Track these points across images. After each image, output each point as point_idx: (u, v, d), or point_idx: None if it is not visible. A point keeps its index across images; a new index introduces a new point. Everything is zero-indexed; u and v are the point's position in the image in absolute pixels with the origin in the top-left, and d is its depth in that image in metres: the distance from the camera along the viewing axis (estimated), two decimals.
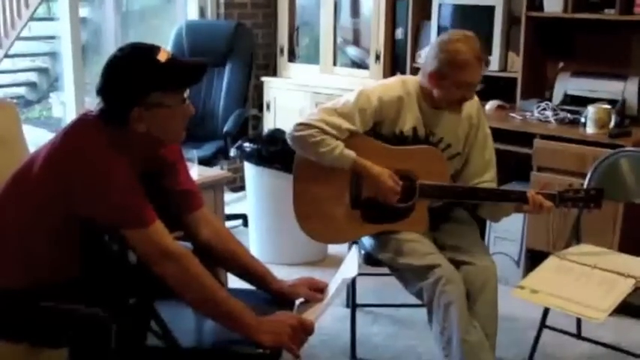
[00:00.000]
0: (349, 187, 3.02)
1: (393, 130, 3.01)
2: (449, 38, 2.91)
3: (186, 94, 2.21)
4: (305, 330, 2.19)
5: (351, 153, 2.93)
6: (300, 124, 2.98)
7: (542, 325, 3.15)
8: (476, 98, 3.09)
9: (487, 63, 2.92)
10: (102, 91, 2.16)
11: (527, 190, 2.96)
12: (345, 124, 2.94)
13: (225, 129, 4.74)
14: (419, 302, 2.95)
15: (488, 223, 4.16)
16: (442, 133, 3.04)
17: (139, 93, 2.11)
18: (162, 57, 2.13)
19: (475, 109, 3.08)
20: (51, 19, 5.93)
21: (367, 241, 3.14)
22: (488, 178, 3.09)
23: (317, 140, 2.93)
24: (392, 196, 2.96)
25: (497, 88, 4.60)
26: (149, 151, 2.24)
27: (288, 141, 3.04)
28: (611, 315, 2.74)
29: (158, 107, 2.12)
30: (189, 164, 2.59)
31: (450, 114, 3.01)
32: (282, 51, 5.76)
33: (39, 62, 7.18)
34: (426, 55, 2.98)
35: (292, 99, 5.51)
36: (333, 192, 3.03)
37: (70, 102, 4.87)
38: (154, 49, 2.15)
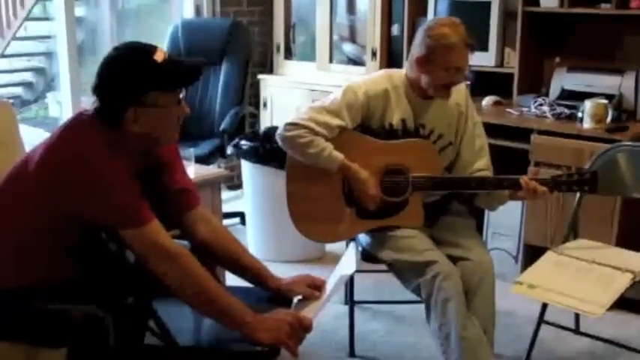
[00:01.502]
0: (342, 184, 3.02)
1: (382, 123, 3.01)
2: (435, 24, 2.94)
3: (181, 94, 2.21)
4: (303, 327, 2.19)
5: (339, 155, 2.93)
6: (290, 123, 2.98)
7: (541, 320, 3.15)
8: (463, 86, 3.10)
9: (473, 48, 2.92)
10: (98, 90, 2.15)
11: (520, 176, 2.95)
12: (335, 121, 2.95)
13: (222, 127, 4.74)
14: (417, 299, 2.95)
15: (485, 219, 4.17)
16: (432, 125, 3.04)
17: (135, 93, 2.11)
18: (159, 57, 2.12)
19: (463, 97, 3.09)
20: (46, 18, 5.92)
21: (364, 238, 3.13)
22: (482, 166, 3.09)
23: (306, 141, 2.93)
24: (371, 204, 2.97)
25: (494, 84, 4.60)
26: (144, 151, 2.24)
27: (279, 141, 3.04)
28: (609, 310, 2.75)
29: (154, 107, 2.12)
30: (185, 163, 2.58)
31: (439, 103, 3.02)
32: (278, 48, 5.76)
33: (35, 62, 7.17)
34: (413, 43, 2.99)
35: (289, 96, 5.51)
36: (327, 190, 3.03)
37: (67, 101, 4.86)
38: (150, 49, 2.15)
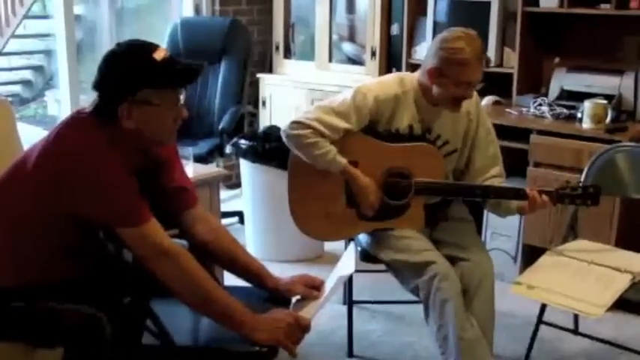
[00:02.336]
0: (344, 184, 3.01)
1: (389, 127, 2.99)
2: (450, 36, 2.86)
3: (182, 97, 2.20)
4: (301, 327, 2.18)
5: (342, 160, 2.93)
6: (296, 122, 2.97)
7: (540, 321, 3.15)
8: (475, 94, 3.07)
9: (487, 63, 2.90)
10: (97, 84, 2.15)
11: (524, 187, 2.94)
12: (342, 124, 2.93)
13: (220, 126, 4.73)
14: (416, 299, 2.94)
15: (484, 219, 4.16)
16: (440, 130, 3.03)
17: (129, 88, 2.10)
18: (158, 55, 2.12)
19: (474, 106, 3.06)
20: (45, 16, 5.91)
21: (363, 238, 3.13)
22: (494, 174, 3.07)
23: (311, 142, 2.92)
24: (369, 211, 2.98)
25: (493, 84, 4.58)
26: (141, 149, 2.23)
27: (283, 138, 3.03)
28: (608, 311, 2.75)
29: (147, 105, 2.11)
30: (184, 162, 2.58)
31: (448, 111, 3.00)
32: (277, 48, 5.75)
33: (34, 60, 7.17)
34: (427, 52, 2.96)
35: (288, 96, 5.51)
36: (329, 190, 3.02)
37: (65, 100, 4.85)
38: (151, 47, 2.14)
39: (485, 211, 4.12)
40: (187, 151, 3.42)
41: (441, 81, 2.88)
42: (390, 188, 2.99)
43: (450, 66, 2.83)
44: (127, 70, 2.11)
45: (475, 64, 2.83)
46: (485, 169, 3.07)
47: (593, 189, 2.94)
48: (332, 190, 3.02)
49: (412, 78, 3.03)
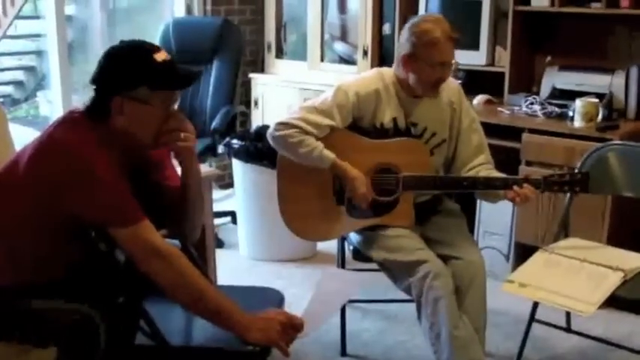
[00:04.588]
0: (332, 183, 3.02)
1: (374, 123, 3.01)
2: (418, 20, 2.94)
3: (175, 105, 2.21)
4: (294, 327, 2.19)
5: (330, 154, 2.93)
6: (280, 123, 2.99)
7: (532, 319, 3.16)
8: (456, 83, 3.10)
9: (458, 42, 2.91)
10: (95, 79, 2.17)
11: (513, 177, 2.93)
12: (325, 121, 2.95)
13: (213, 126, 4.73)
14: (408, 297, 2.95)
15: (476, 217, 4.17)
16: (425, 122, 3.04)
17: (126, 83, 2.11)
18: (159, 57, 2.14)
19: (456, 95, 3.08)
20: (37, 17, 5.89)
21: (355, 237, 3.13)
22: (481, 161, 3.08)
23: (296, 140, 2.93)
24: (363, 203, 2.97)
25: (485, 83, 4.60)
26: (133, 148, 2.23)
27: (270, 141, 3.04)
28: (600, 308, 2.74)
29: (140, 103, 2.12)
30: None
31: (430, 101, 3.02)
32: (269, 47, 5.75)
33: (25, 61, 7.14)
34: (399, 42, 2.99)
35: (280, 95, 5.51)
36: (317, 189, 3.03)
37: (57, 100, 4.85)
38: (153, 48, 2.17)
39: (477, 210, 4.14)
40: None
41: (416, 66, 2.90)
42: (379, 185, 3.00)
43: (422, 48, 2.87)
44: (126, 66, 2.13)
45: (446, 42, 2.86)
46: (471, 158, 3.08)
47: (581, 175, 2.93)
48: (321, 189, 3.03)
49: (391, 72, 3.06)
